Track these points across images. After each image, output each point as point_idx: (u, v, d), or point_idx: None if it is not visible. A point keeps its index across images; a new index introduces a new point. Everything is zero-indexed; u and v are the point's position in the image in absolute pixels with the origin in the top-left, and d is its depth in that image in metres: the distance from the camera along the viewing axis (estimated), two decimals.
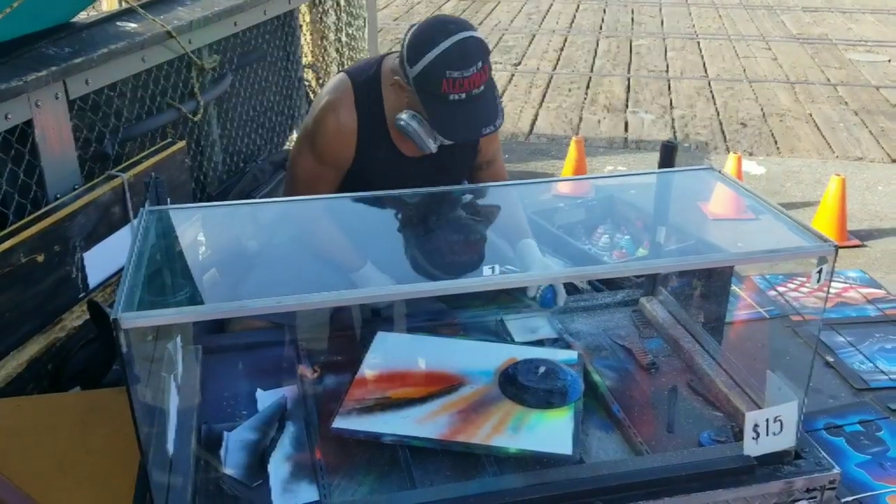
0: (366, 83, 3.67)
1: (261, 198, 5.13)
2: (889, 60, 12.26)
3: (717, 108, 10.13)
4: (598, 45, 13.13)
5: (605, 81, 11.22)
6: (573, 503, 2.63)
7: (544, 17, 15.13)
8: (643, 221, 5.55)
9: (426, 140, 3.52)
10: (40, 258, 3.24)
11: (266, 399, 3.06)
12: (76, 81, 3.70)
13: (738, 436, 2.85)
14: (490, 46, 3.72)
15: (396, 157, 3.72)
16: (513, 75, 11.36)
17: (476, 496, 2.59)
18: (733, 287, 3.03)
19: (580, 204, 6.25)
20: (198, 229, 3.29)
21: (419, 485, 2.70)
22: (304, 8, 6.56)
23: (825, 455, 2.82)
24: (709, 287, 3.38)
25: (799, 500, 2.76)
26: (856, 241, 6.62)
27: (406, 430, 2.86)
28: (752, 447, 2.73)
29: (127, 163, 3.89)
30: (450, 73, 3.35)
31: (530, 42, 13.09)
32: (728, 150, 8.74)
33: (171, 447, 2.64)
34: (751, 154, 8.71)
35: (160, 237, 2.89)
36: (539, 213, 5.60)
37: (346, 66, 6.92)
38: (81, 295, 3.50)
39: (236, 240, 3.77)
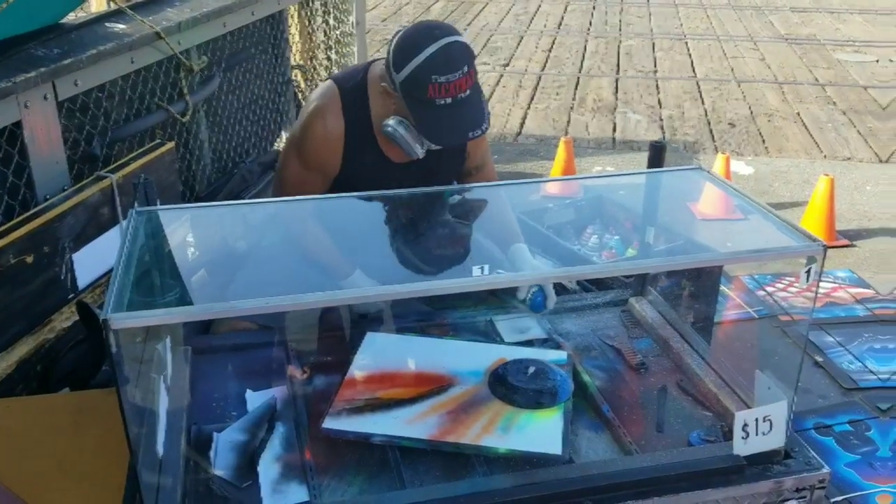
0: (353, 89, 3.68)
1: (249, 199, 5.12)
2: (877, 60, 12.29)
3: (705, 109, 10.16)
4: (586, 45, 13.15)
5: (594, 82, 11.24)
6: (563, 503, 2.64)
7: (532, 17, 15.15)
8: (632, 222, 5.55)
9: (413, 145, 3.53)
10: (29, 259, 3.24)
11: (256, 400, 3.06)
12: (65, 83, 3.69)
13: (728, 435, 2.85)
14: (478, 48, 3.74)
15: (384, 163, 3.72)
16: (501, 76, 11.37)
17: (466, 496, 2.59)
18: (722, 287, 3.03)
19: (569, 204, 6.26)
20: (187, 230, 3.29)
21: (409, 485, 2.71)
22: (292, 9, 6.56)
23: (814, 455, 2.82)
24: (698, 287, 3.38)
25: (788, 499, 2.76)
26: (844, 241, 6.64)
27: (396, 430, 2.87)
28: (742, 447, 2.73)
29: (116, 164, 3.89)
30: (436, 77, 3.36)
31: (518, 43, 13.10)
32: (716, 150, 8.76)
33: (160, 448, 2.64)
34: (739, 154, 8.73)
35: (149, 238, 2.89)
36: (528, 213, 5.60)
37: (334, 68, 6.93)
38: (70, 296, 3.49)
39: (225, 241, 3.77)
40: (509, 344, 3.46)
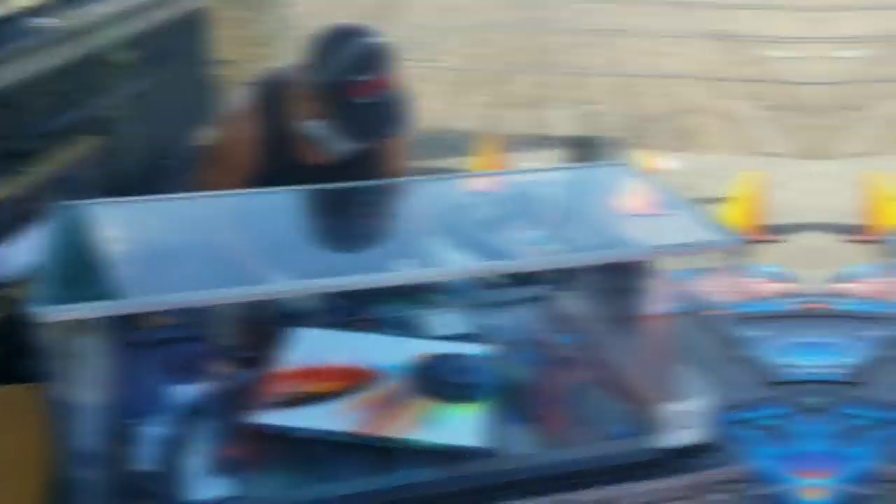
0: (271, 92, 3.68)
1: (173, 194, 5.11)
2: (802, 57, 12.42)
3: (630, 105, 10.23)
4: (511, 41, 13.20)
5: (519, 78, 11.29)
6: (486, 496, 2.66)
7: (458, 13, 15.17)
8: (556, 217, 5.58)
9: (331, 147, 3.54)
10: None
11: (180, 394, 3.06)
12: None
13: (650, 429, 2.89)
14: (403, 44, 3.75)
15: (301, 167, 3.72)
16: (427, 72, 11.39)
17: (390, 490, 2.62)
18: (646, 282, 3.06)
19: (492, 200, 6.27)
20: (111, 225, 3.28)
21: (332, 479, 2.72)
22: (216, 4, 6.54)
23: (736, 448, 2.87)
24: (621, 282, 3.41)
25: (710, 493, 2.80)
26: (769, 236, 6.71)
27: (321, 424, 2.88)
28: (664, 440, 2.77)
29: (38, 160, 3.87)
30: (353, 78, 3.38)
31: (444, 39, 13.13)
32: (641, 146, 8.83)
33: (84, 443, 2.63)
34: (663, 150, 8.81)
35: (73, 233, 2.88)
36: (450, 208, 5.60)
37: (257, 64, 6.92)
38: None
39: (150, 235, 3.76)
40: (433, 339, 3.48)
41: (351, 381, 3.11)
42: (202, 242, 3.78)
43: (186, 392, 3.08)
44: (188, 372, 3.21)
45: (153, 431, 2.85)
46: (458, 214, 4.88)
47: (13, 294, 3.48)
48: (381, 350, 3.33)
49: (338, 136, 3.50)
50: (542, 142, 9.08)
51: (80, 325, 2.74)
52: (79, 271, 2.91)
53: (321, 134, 3.50)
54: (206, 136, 4.29)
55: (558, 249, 3.38)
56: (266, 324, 3.52)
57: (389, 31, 3.63)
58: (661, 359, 3.01)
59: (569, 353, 3.42)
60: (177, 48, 5.65)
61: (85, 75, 4.41)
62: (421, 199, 3.78)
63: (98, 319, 2.71)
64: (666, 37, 13.41)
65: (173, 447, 2.80)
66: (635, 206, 6.10)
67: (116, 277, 3.33)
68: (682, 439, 2.79)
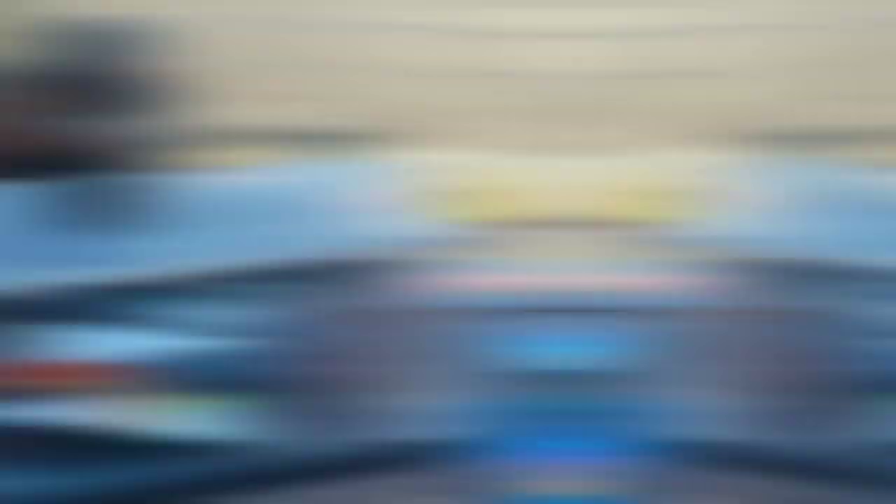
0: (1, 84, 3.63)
1: None
2: (558, 53, 12.64)
3: (375, 101, 10.28)
4: (256, 37, 13.14)
5: (263, 73, 11.25)
6: (234, 489, 2.69)
7: (205, 11, 15.02)
8: (300, 216, 5.58)
9: (70, 138, 3.50)
10: None
11: None
12: None
13: (395, 425, 2.94)
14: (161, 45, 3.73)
15: (39, 159, 3.67)
16: (178, 70, 11.23)
17: (136, 483, 2.62)
18: (379, 279, 3.11)
19: (231, 195, 6.22)
20: None
21: (77, 473, 2.70)
22: None
23: (482, 442, 2.93)
24: (354, 279, 3.45)
25: (457, 487, 2.85)
26: (516, 231, 6.81)
27: (61, 416, 2.85)
28: (394, 437, 2.82)
29: None
30: (96, 68, 3.35)
31: (194, 36, 12.99)
32: (388, 142, 8.86)
33: None
34: (408, 147, 8.86)
35: None
36: (194, 203, 5.54)
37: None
38: None
39: None
40: (181, 333, 3.47)
41: (95, 376, 3.09)
42: None
43: None
44: None
45: None
46: (199, 209, 4.87)
47: None
48: (126, 344, 3.31)
49: (78, 127, 3.45)
50: (285, 138, 9.04)
51: None
52: None
53: (59, 126, 3.44)
54: None
55: (273, 248, 3.40)
56: None
57: (146, 22, 3.57)
58: (394, 357, 3.06)
59: (320, 349, 3.45)
60: None
61: None
62: (164, 194, 3.76)
63: None
64: (417, 30, 13.49)
65: None
66: (376, 203, 6.15)
67: None
68: (428, 434, 2.84)
